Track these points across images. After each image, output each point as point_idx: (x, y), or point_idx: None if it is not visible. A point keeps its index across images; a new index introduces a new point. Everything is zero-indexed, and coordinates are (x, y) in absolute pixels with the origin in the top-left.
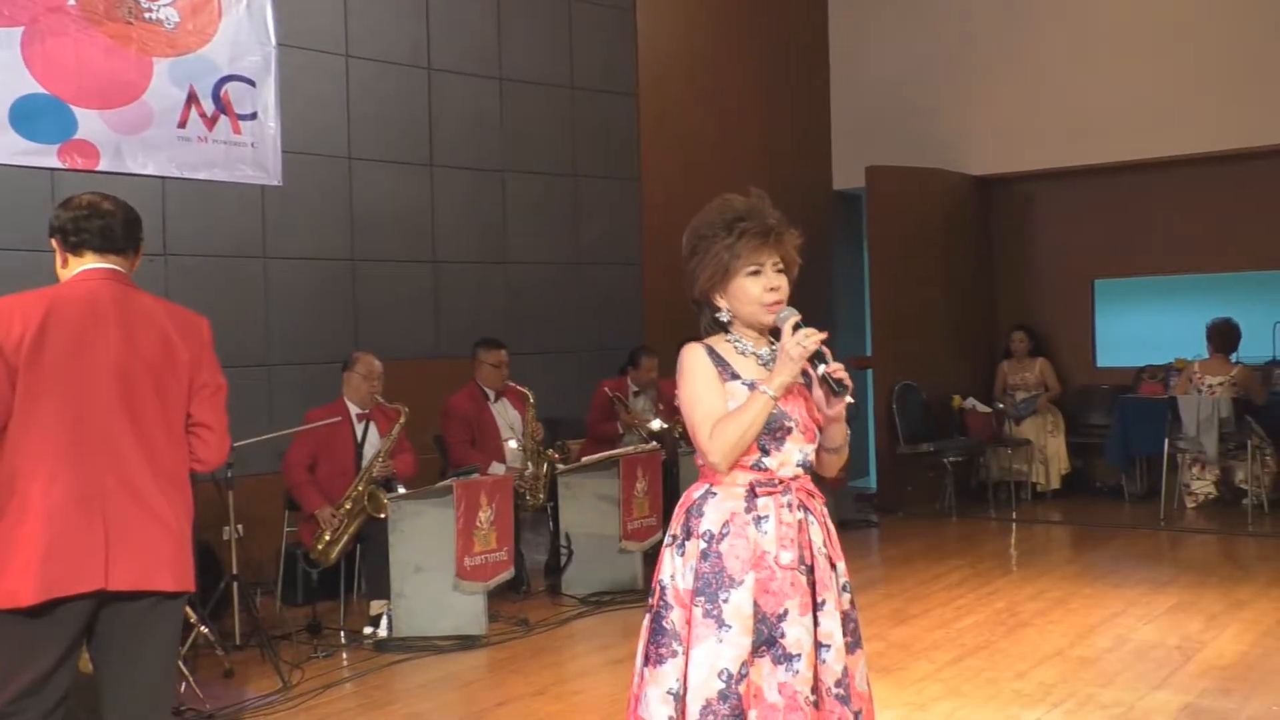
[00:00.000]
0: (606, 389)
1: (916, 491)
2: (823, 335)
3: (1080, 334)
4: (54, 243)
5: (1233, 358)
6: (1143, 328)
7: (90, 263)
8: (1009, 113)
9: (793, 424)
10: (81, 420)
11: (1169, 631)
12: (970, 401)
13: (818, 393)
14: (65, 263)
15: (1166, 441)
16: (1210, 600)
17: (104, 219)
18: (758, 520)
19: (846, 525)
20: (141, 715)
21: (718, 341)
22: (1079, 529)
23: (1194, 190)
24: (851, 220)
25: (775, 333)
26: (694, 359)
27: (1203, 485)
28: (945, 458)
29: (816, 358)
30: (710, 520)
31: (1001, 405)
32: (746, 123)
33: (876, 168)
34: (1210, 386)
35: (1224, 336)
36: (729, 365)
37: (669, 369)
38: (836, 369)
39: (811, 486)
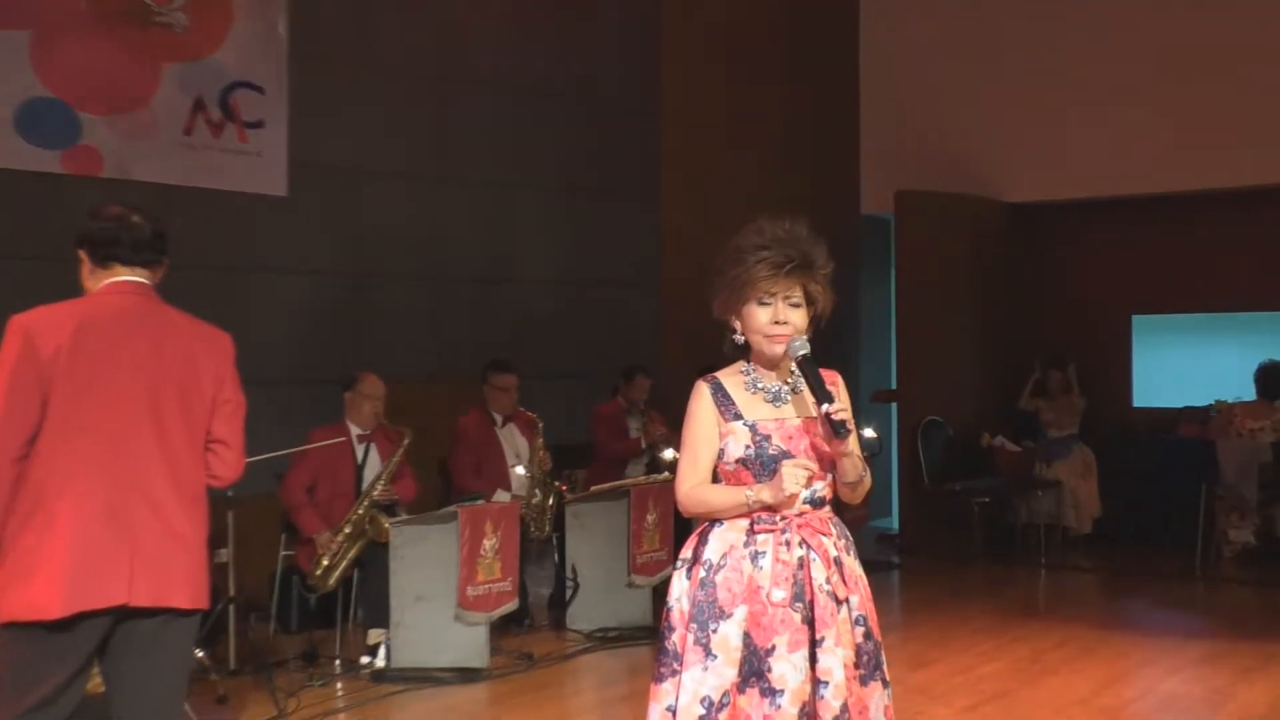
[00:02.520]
0: (603, 411)
1: (941, 533)
2: (814, 471)
3: (1117, 372)
4: (81, 253)
5: (1277, 402)
6: (1182, 367)
7: (119, 275)
8: (1046, 138)
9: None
10: (112, 436)
11: (1197, 683)
12: (1000, 439)
13: (824, 429)
14: (91, 273)
15: (1204, 487)
16: (1243, 652)
17: (133, 231)
18: (755, 556)
19: (867, 567)
20: None
21: (730, 374)
22: (1110, 575)
23: (1239, 224)
24: (879, 246)
25: (801, 368)
26: (697, 403)
27: (1240, 533)
28: (972, 498)
29: (821, 395)
30: (713, 549)
31: (1032, 445)
32: (772, 144)
33: (906, 192)
34: (1251, 431)
35: (1272, 379)
36: (733, 404)
37: (683, 398)
38: (838, 410)
39: (821, 523)
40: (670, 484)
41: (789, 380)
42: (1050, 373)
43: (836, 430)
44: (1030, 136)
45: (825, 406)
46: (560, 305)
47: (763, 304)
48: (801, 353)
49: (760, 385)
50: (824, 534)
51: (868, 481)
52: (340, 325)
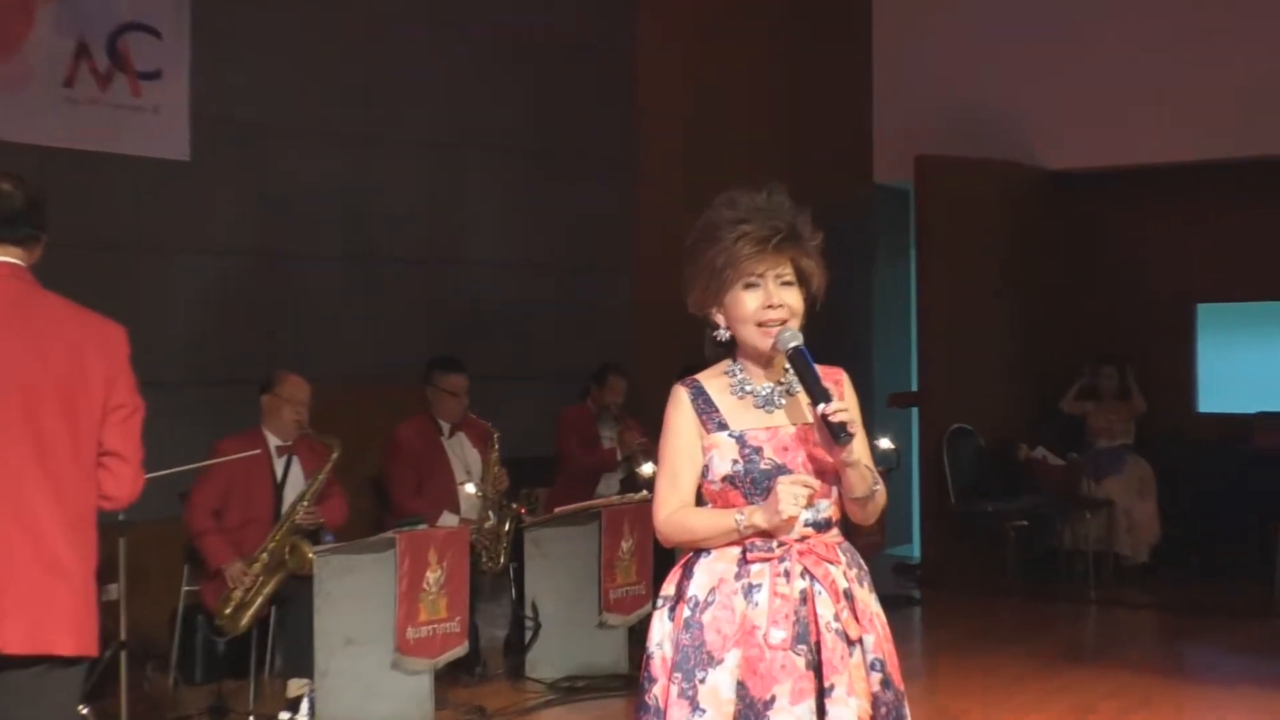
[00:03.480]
0: (571, 415)
1: (971, 562)
2: (815, 488)
3: (1178, 371)
4: None
5: None
6: (1257, 365)
7: None
8: (1094, 93)
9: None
10: None
11: None
12: (1040, 451)
13: (821, 434)
14: None
15: None
16: None
17: (3, 202)
18: (748, 590)
19: (884, 602)
20: None
21: (713, 377)
22: (1171, 613)
23: None
24: (896, 221)
25: (794, 363)
26: (674, 412)
27: None
28: (1008, 520)
29: (818, 393)
30: (698, 584)
31: (1077, 456)
32: (770, 102)
33: (928, 158)
34: None
35: None
36: (717, 412)
37: (663, 401)
38: (836, 410)
39: (827, 550)
40: (650, 504)
41: (782, 380)
42: (1101, 370)
43: (836, 435)
44: (1075, 92)
45: (821, 407)
46: (519, 292)
47: (750, 287)
48: (793, 344)
49: (749, 388)
50: (831, 562)
51: (881, 498)
52: (255, 315)
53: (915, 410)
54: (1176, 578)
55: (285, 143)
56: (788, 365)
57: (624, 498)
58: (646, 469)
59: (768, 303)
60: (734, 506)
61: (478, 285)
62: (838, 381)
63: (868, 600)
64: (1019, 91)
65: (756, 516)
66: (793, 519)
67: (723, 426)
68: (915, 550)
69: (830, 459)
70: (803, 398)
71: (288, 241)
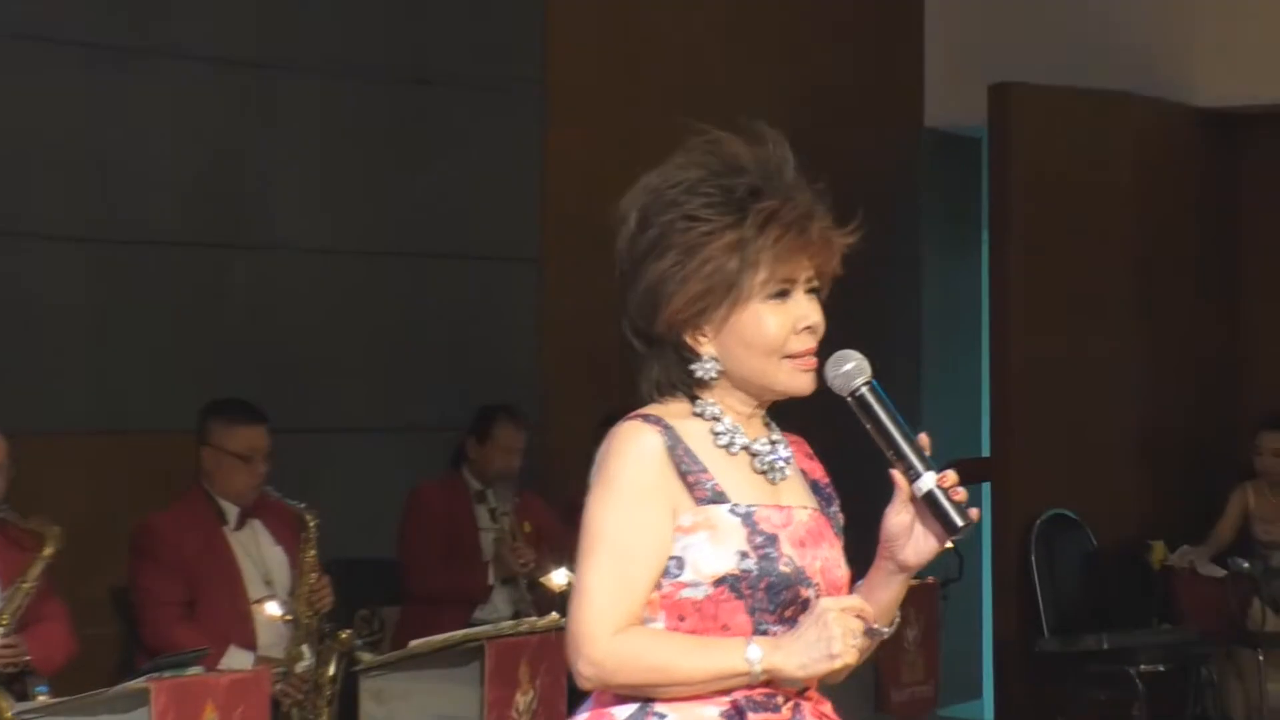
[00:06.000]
0: (427, 497)
1: None
2: (869, 616)
3: None
4: None
5: None
6: None
7: None
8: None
9: (813, 590)
10: None
11: None
12: (1186, 554)
13: (894, 521)
14: None
15: None
16: None
17: None
18: None
19: None
20: None
21: (681, 418)
22: None
23: None
24: (958, 182)
25: (866, 412)
26: (632, 464)
27: None
28: (1134, 664)
29: (916, 457)
30: None
31: (1246, 566)
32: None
33: (1010, 86)
34: None
35: None
36: (703, 472)
37: (577, 468)
38: (955, 484)
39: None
40: (562, 633)
41: (774, 438)
42: (1262, 436)
43: (949, 522)
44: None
45: (929, 477)
46: (350, 295)
47: (778, 297)
48: (863, 382)
49: (741, 442)
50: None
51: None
52: None
53: (986, 487)
54: None
55: None
56: (768, 423)
57: (519, 624)
58: (559, 578)
59: (805, 323)
60: (725, 630)
61: (286, 284)
62: (809, 455)
63: None
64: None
65: (784, 657)
66: (848, 667)
67: (719, 496)
68: (987, 711)
69: (895, 561)
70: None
71: None
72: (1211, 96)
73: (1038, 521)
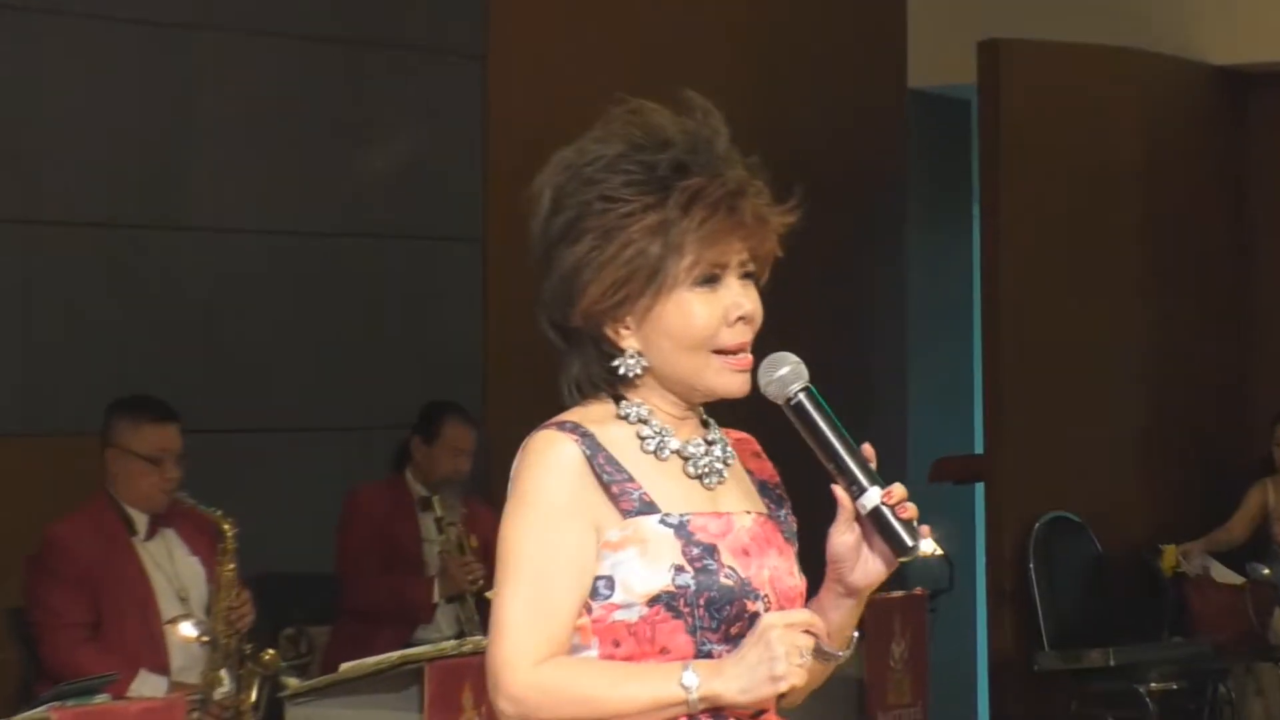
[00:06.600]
0: (364, 501)
1: None
2: (821, 633)
3: None
4: None
5: None
6: None
7: None
8: None
9: (762, 602)
10: None
11: None
12: (1199, 559)
13: (838, 541)
14: None
15: None
16: None
17: None
18: None
19: None
20: None
21: (603, 422)
22: None
23: None
24: (945, 149)
25: (802, 419)
26: (548, 476)
27: None
28: (1143, 682)
29: (859, 470)
30: None
31: (1266, 572)
32: None
33: (1003, 43)
34: None
35: None
36: (629, 481)
37: (502, 476)
38: (902, 500)
39: None
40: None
41: (711, 439)
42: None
43: (897, 542)
44: None
45: (876, 492)
46: (276, 280)
47: (706, 284)
48: (799, 387)
49: (672, 445)
50: None
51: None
52: None
53: (979, 488)
54: None
55: None
56: (706, 421)
57: (463, 642)
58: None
59: (738, 313)
60: (664, 654)
61: (208, 266)
62: (758, 453)
63: None
64: None
65: (724, 682)
66: (795, 689)
67: (648, 507)
68: None
69: (842, 584)
70: (736, 485)
71: None
72: (1219, 54)
73: (1036, 525)
